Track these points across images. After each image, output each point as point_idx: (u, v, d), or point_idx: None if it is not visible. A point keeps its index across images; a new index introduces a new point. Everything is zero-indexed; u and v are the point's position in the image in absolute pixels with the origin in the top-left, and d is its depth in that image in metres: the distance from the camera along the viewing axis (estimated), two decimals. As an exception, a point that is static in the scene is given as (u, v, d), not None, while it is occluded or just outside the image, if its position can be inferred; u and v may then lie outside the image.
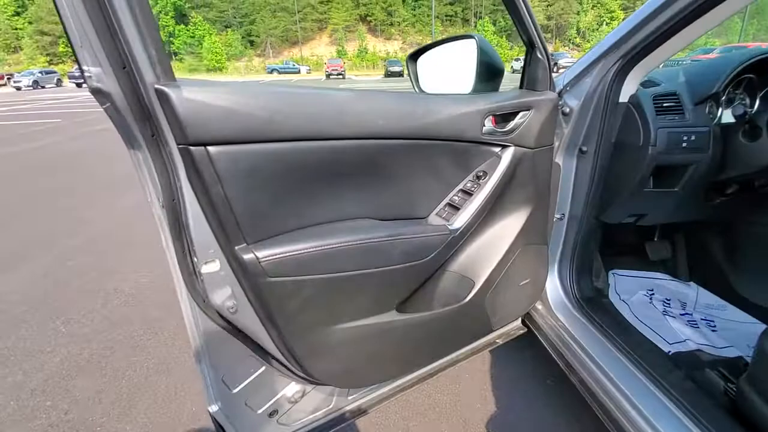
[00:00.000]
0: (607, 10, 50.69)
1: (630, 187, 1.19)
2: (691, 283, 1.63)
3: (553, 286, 1.36)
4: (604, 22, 49.18)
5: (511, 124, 1.00)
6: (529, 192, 1.08)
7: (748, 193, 1.25)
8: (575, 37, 51.49)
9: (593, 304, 1.33)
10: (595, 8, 51.79)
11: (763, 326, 1.39)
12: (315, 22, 52.33)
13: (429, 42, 1.19)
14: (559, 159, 1.21)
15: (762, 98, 1.17)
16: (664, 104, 1.14)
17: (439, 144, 0.91)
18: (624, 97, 1.16)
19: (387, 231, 0.88)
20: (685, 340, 1.34)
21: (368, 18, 52.38)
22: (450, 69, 1.12)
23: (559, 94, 1.15)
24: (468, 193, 1.00)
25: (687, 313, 1.48)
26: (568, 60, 24.22)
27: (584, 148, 1.23)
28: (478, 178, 1.00)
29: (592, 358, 1.16)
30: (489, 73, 1.06)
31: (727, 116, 1.16)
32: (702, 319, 1.45)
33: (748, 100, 1.18)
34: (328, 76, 29.72)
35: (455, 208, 0.99)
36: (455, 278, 1.04)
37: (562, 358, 1.30)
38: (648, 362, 1.09)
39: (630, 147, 1.16)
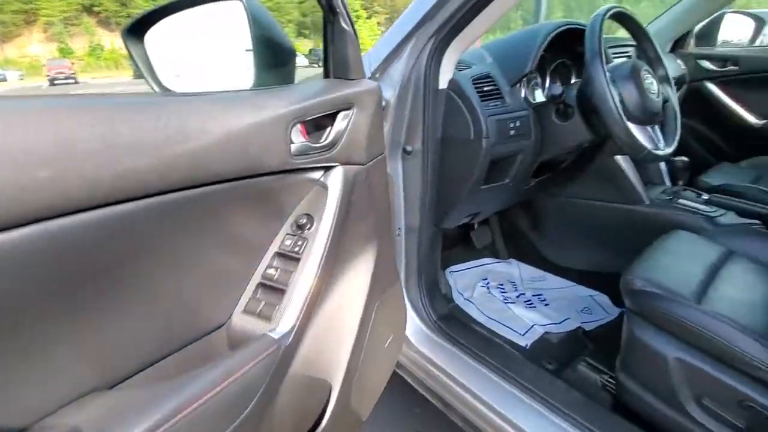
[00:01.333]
0: None
1: (468, 186, 1.02)
2: (512, 260, 1.67)
3: (409, 317, 1.11)
4: None
5: (331, 133, 0.63)
6: (370, 224, 0.76)
7: (553, 172, 1.28)
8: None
9: (450, 320, 1.15)
10: None
11: (579, 287, 1.52)
12: (18, 14, 39.61)
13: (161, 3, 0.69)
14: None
15: (575, 76, 1.18)
16: (485, 88, 0.99)
17: (216, 190, 0.47)
18: (443, 83, 0.96)
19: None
20: (532, 326, 1.31)
21: (95, 8, 42.91)
22: (208, 49, 0.67)
23: None
24: (290, 258, 0.59)
25: (521, 293, 1.50)
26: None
27: (409, 148, 0.99)
28: (300, 228, 0.61)
29: (466, 387, 0.97)
30: (273, 55, 0.67)
31: (540, 96, 1.12)
32: (534, 296, 1.48)
33: (559, 80, 1.17)
34: (52, 81, 22.91)
35: (276, 290, 0.57)
36: (300, 398, 0.63)
37: (437, 398, 1.08)
38: (515, 371, 0.97)
39: (461, 141, 0.98)
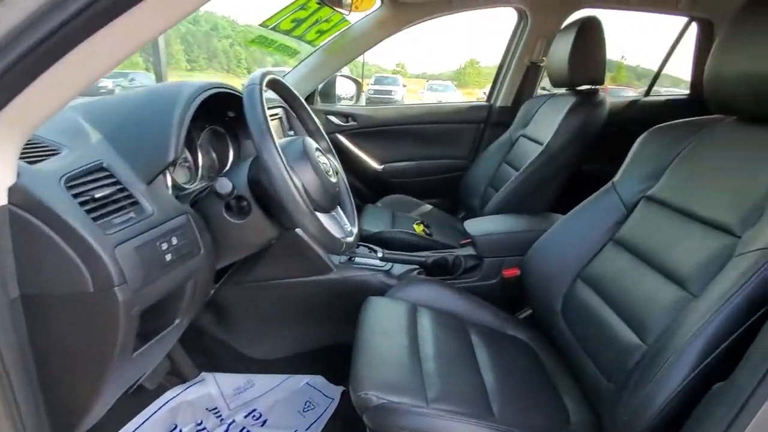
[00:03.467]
0: None
1: (103, 370, 0.57)
2: (204, 375, 1.27)
3: None
4: None
5: None
6: None
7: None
8: None
9: None
10: None
11: (292, 378, 1.31)
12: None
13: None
14: None
15: (232, 149, 0.88)
16: (97, 194, 0.56)
17: None
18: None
19: None
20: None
21: None
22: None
23: None
24: None
25: (230, 422, 1.13)
26: None
27: None
28: None
29: None
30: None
31: (195, 183, 0.77)
32: (246, 417, 1.15)
33: (214, 154, 0.84)
34: None
35: None
36: None
37: None
38: None
39: (70, 300, 0.52)
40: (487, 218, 1.36)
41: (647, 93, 1.96)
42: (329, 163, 0.85)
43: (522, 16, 1.80)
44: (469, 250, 1.31)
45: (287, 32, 1.48)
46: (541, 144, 1.46)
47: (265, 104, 0.70)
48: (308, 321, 1.28)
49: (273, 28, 1.49)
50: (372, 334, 0.97)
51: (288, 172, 0.67)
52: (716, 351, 0.61)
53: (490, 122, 1.98)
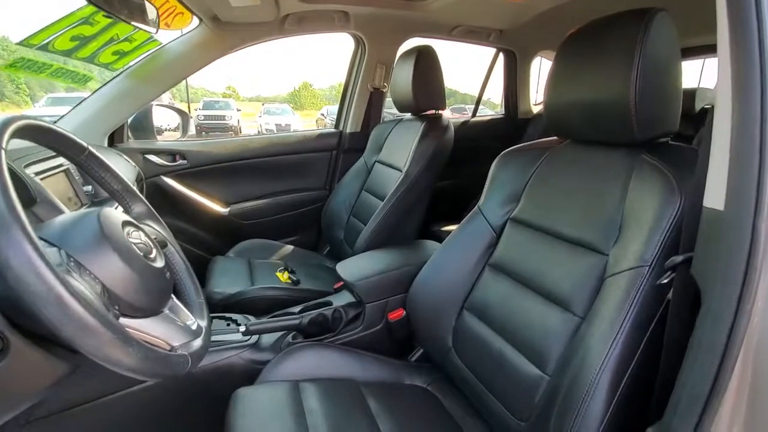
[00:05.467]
0: None
1: None
2: None
3: None
4: None
5: None
6: None
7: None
8: None
9: None
10: None
11: None
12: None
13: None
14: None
15: None
16: None
17: None
18: None
19: None
20: None
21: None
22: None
23: None
24: None
25: None
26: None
27: None
28: None
29: None
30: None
31: None
32: None
33: None
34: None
35: None
36: None
37: None
38: None
39: None
40: (361, 257, 1.25)
41: (473, 114, 2.19)
42: (149, 237, 0.60)
43: (359, 42, 1.78)
44: (347, 297, 1.17)
45: (67, 53, 1.10)
46: (399, 170, 1.43)
47: (4, 169, 0.42)
48: None
49: (43, 47, 1.09)
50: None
51: (55, 273, 0.41)
52: (624, 379, 0.60)
53: (342, 149, 1.90)
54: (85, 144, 0.63)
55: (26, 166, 0.87)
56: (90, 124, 1.43)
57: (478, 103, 2.19)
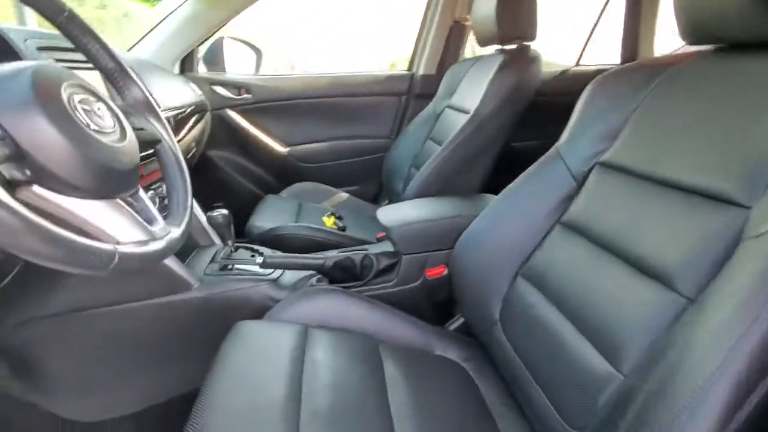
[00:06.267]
0: None
1: None
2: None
3: None
4: None
5: None
6: None
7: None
8: None
9: None
10: None
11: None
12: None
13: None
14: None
15: None
16: None
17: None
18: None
19: None
20: None
21: None
22: None
23: None
24: None
25: None
26: None
27: None
28: None
29: None
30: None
31: None
32: None
33: None
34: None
35: None
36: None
37: None
38: None
39: None
40: (405, 204, 1.07)
41: (578, 61, 1.81)
42: (113, 110, 0.50)
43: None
44: (385, 246, 1.01)
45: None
46: (468, 113, 1.21)
47: None
48: (157, 363, 0.91)
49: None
50: (229, 380, 0.64)
51: None
52: (751, 391, 0.37)
53: (412, 93, 1.70)
54: (65, 4, 0.54)
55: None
56: (161, 50, 1.44)
57: (585, 47, 1.80)
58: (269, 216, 1.30)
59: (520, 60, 1.13)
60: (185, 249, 1.01)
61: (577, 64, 1.82)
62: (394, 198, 1.55)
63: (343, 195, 1.62)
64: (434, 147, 1.39)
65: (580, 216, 0.71)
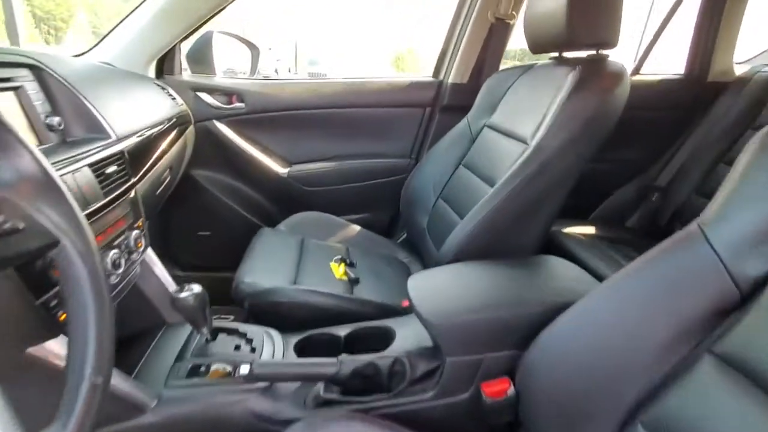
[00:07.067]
0: None
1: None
2: None
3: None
4: None
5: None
6: None
7: None
8: None
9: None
10: None
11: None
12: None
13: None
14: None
15: None
16: None
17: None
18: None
19: None
20: None
21: None
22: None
23: None
24: None
25: None
26: None
27: None
28: None
29: None
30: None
31: None
32: None
33: None
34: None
35: None
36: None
37: None
38: None
39: None
40: (447, 273, 0.79)
41: (636, 70, 1.51)
42: None
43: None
44: (417, 331, 0.74)
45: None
46: (523, 141, 0.92)
47: None
48: None
49: None
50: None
51: None
52: None
53: (439, 105, 1.41)
54: None
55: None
56: (132, 48, 1.15)
57: (646, 54, 1.50)
58: (261, 265, 1.02)
59: (601, 75, 0.84)
60: (140, 338, 0.73)
61: (637, 72, 1.52)
62: (416, 233, 1.27)
63: (355, 228, 1.34)
64: (470, 177, 1.11)
65: (747, 345, 0.44)
